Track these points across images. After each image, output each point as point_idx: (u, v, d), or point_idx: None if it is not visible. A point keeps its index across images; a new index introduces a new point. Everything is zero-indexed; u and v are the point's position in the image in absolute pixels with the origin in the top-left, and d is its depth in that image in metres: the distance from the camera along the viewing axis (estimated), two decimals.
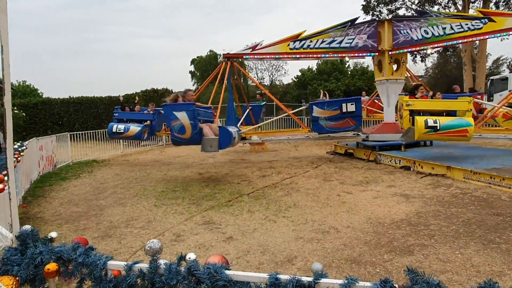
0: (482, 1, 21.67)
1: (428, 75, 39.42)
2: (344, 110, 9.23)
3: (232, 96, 9.67)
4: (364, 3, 25.10)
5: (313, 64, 35.58)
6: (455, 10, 22.54)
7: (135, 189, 7.28)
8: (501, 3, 21.92)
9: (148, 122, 10.79)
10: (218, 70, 9.87)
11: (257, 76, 40.78)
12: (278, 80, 43.76)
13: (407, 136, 8.30)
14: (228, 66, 9.58)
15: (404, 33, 9.63)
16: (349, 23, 9.83)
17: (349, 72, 34.09)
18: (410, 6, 24.26)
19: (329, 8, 74.44)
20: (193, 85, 48.00)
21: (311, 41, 9.78)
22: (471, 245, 3.83)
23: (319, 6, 75.43)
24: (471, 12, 20.87)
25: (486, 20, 8.61)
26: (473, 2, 21.97)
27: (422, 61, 27.42)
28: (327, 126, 9.39)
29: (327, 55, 10.23)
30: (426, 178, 7.04)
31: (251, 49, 9.83)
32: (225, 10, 77.99)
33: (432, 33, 9.34)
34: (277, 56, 10.07)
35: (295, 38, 9.72)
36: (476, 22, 8.77)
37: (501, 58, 38.18)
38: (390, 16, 16.37)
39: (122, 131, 10.51)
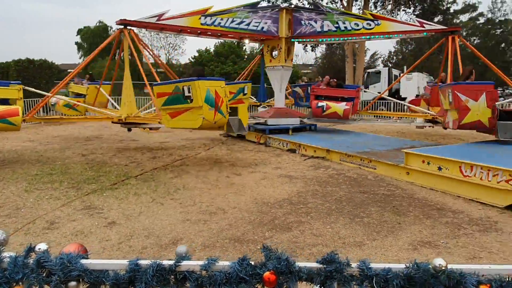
0: (363, 0, 23.92)
1: (317, 64, 42.38)
2: None
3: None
4: None
5: (210, 45, 35.31)
6: (341, 6, 24.49)
7: (1, 173, 6.39)
8: (378, 4, 24.51)
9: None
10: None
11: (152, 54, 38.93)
12: (175, 59, 42.39)
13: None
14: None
15: (307, 23, 10.09)
16: (249, 6, 9.75)
17: (246, 56, 34.75)
18: None
19: None
20: (80, 58, 43.70)
21: (221, 19, 9.27)
22: (340, 220, 4.29)
23: None
24: (354, 10, 22.97)
25: (375, 22, 9.60)
26: (356, 0, 24.13)
27: (312, 50, 29.31)
28: None
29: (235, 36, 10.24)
30: (309, 160, 7.63)
31: (156, 18, 8.40)
32: None
33: (333, 27, 10.01)
34: (185, 33, 9.51)
35: (204, 13, 8.98)
36: (368, 23, 9.68)
37: (376, 53, 42.88)
38: (285, 5, 16.94)
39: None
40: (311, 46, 27.86)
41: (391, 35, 9.90)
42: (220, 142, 10.19)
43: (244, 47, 33.75)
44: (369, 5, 24.27)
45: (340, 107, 9.86)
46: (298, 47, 41.52)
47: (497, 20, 41.61)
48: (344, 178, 6.19)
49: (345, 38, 10.57)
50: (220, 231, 3.96)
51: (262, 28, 9.93)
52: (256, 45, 35.73)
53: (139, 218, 4.34)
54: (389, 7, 24.54)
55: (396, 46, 45.36)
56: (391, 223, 4.18)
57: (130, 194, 5.25)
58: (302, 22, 10.18)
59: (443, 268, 1.03)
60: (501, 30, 41.61)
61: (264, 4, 10.25)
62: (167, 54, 41.76)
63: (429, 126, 10.40)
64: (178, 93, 6.21)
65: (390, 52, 47.93)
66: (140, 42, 8.60)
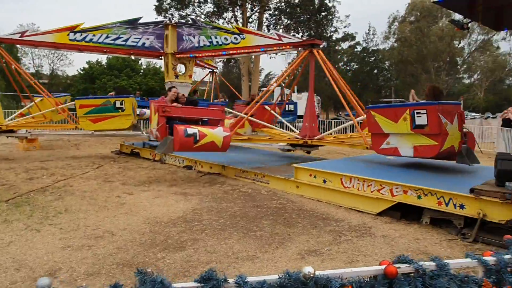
0: (257, 23, 25.25)
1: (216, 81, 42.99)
2: None
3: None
4: (156, 3, 25.25)
5: (103, 57, 33.35)
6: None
7: None
8: (271, 26, 26.10)
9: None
10: None
11: (33, 62, 35.20)
12: (61, 70, 38.87)
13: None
14: None
15: (187, 39, 10.03)
16: (128, 22, 9.67)
17: (142, 71, 33.59)
18: (199, 15, 25.92)
19: (122, 4, 71.42)
20: None
21: (94, 35, 9.19)
22: (234, 235, 4.34)
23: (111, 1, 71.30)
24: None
25: (242, 36, 9.30)
26: (250, 23, 25.36)
27: (203, 69, 29.67)
28: None
29: (113, 53, 10.17)
30: (205, 176, 7.61)
31: (19, 34, 8.55)
32: None
33: (207, 43, 9.78)
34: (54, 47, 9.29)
35: (73, 29, 8.95)
36: (235, 37, 9.40)
37: (270, 73, 45.35)
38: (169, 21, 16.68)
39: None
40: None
41: (254, 50, 9.37)
42: (112, 159, 9.57)
43: (139, 61, 32.62)
44: (262, 28, 25.69)
45: (218, 134, 6.92)
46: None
47: (371, 49, 47.57)
48: (239, 193, 6.31)
49: (224, 53, 10.05)
50: (107, 256, 3.67)
51: (144, 44, 9.82)
52: (153, 60, 34.95)
53: (8, 249, 3.79)
54: (280, 31, 26.26)
55: (287, 67, 48.58)
56: (282, 235, 4.37)
57: None
58: (184, 37, 10.05)
59: (312, 275, 1.10)
60: (373, 58, 47.62)
61: (145, 20, 10.03)
62: (51, 64, 38.07)
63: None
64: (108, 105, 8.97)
65: (282, 72, 51.16)
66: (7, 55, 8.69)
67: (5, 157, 9.43)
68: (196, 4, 25.63)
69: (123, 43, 9.56)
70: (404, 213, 5.07)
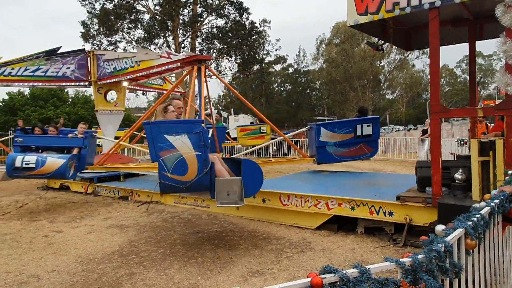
0: (190, 48, 25.34)
1: (151, 106, 42.12)
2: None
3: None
4: (83, 30, 24.39)
5: (25, 87, 31.19)
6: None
7: None
8: (204, 51, 26.33)
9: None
10: None
11: None
12: None
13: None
14: None
15: (102, 66, 9.68)
16: (46, 53, 9.51)
17: (70, 100, 31.93)
18: (130, 41, 25.43)
19: (45, 29, 67.94)
20: None
21: (12, 68, 9.07)
22: (174, 264, 4.19)
23: (32, 24, 67.55)
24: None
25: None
26: (183, 48, 25.38)
27: (143, 94, 29.06)
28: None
29: (33, 84, 9.72)
30: (143, 206, 7.32)
31: None
32: None
33: (117, 67, 9.43)
34: None
35: None
36: (132, 61, 9.05)
37: (206, 97, 45.40)
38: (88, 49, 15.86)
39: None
40: (141, 91, 27.57)
41: (148, 72, 8.83)
42: (38, 196, 8.85)
43: (66, 90, 31.01)
44: (195, 52, 25.81)
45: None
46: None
47: (302, 70, 49.89)
48: (179, 220, 6.15)
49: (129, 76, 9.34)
50: None
51: (64, 73, 9.63)
52: (82, 89, 33.41)
53: None
54: (214, 55, 26.62)
55: (224, 90, 49.13)
56: (224, 258, 4.31)
57: None
58: (101, 64, 9.81)
59: None
60: (305, 78, 49.93)
61: (64, 50, 9.84)
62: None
63: None
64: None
65: (219, 95, 51.65)
66: None
67: None
68: (125, 30, 25.12)
69: (42, 74, 9.42)
70: (340, 225, 5.27)
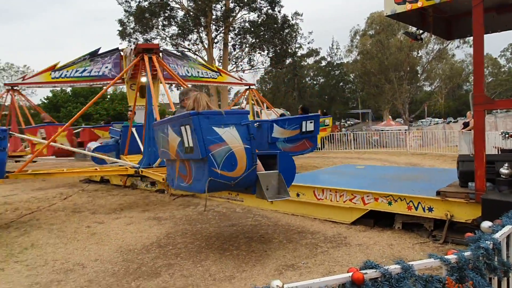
0: (222, 44, 25.53)
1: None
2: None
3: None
4: (120, 28, 25.12)
5: (76, 87, 32.75)
6: (203, 48, 25.68)
7: None
8: (237, 46, 26.45)
9: None
10: None
11: None
12: (22, 100, 37.58)
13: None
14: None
15: (172, 67, 11.16)
16: (90, 55, 10.80)
17: (108, 97, 33.09)
18: (165, 38, 25.96)
19: (86, 27, 70.65)
20: None
21: (67, 71, 10.62)
22: (210, 256, 4.27)
23: (74, 23, 70.47)
24: (216, 52, 24.29)
25: (218, 73, 12.82)
26: (216, 43, 25.61)
27: (177, 89, 29.60)
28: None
29: (84, 84, 11.28)
30: (178, 199, 7.49)
31: (22, 79, 11.27)
32: None
33: (192, 73, 11.98)
34: (45, 86, 11.20)
35: (54, 69, 10.60)
36: (214, 74, 12.68)
37: (239, 92, 45.70)
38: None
39: None
40: (175, 86, 28.14)
41: (226, 84, 13.79)
42: (80, 189, 9.26)
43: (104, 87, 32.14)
44: (228, 47, 25.99)
45: None
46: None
47: (335, 63, 48.99)
48: (214, 213, 6.24)
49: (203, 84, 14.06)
50: None
51: (104, 72, 10.87)
52: (120, 85, 34.55)
53: None
54: (246, 49, 26.68)
55: (257, 85, 49.21)
56: (259, 252, 4.34)
57: None
58: (169, 65, 10.97)
59: None
60: (338, 71, 49.04)
61: (105, 48, 11.40)
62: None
63: None
64: None
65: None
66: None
67: None
68: (160, 27, 25.67)
69: (88, 74, 10.71)
70: (377, 220, 5.16)
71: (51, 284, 3.67)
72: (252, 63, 27.91)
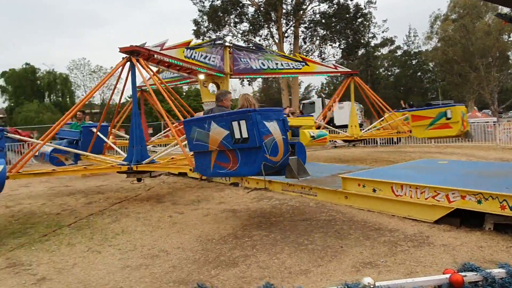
0: (293, 37, 25.39)
1: (255, 97, 43.62)
2: None
3: (137, 111, 7.48)
4: (195, 28, 26.23)
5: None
6: (273, 43, 25.77)
7: None
8: (307, 39, 26.13)
9: None
10: (118, 69, 7.37)
11: (85, 94, 37.51)
12: (113, 99, 41.31)
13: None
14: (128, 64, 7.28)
15: (244, 61, 10.92)
16: (213, 42, 10.46)
17: (184, 93, 34.80)
18: (236, 34, 26.57)
19: (162, 29, 75.03)
20: (4, 102, 40.87)
21: (196, 52, 9.53)
22: (285, 249, 4.31)
23: (151, 25, 75.22)
24: (286, 46, 24.29)
25: (304, 63, 11.74)
26: (286, 37, 25.56)
27: (249, 84, 30.18)
28: None
29: (203, 70, 10.01)
30: (252, 192, 7.66)
31: (159, 47, 8.15)
32: (42, 20, 69.76)
33: (268, 65, 11.47)
34: (175, 61, 8.87)
35: (187, 45, 9.19)
36: (297, 64, 11.67)
37: (310, 85, 45.18)
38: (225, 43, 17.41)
39: None
40: (247, 81, 28.67)
41: (315, 75, 12.37)
42: (161, 181, 9.91)
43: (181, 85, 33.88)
44: (299, 41, 25.79)
45: None
46: (235, 81, 42.57)
47: (412, 52, 46.07)
48: (287, 207, 6.28)
49: (283, 76, 12.80)
50: (163, 275, 3.78)
51: (216, 64, 10.46)
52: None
53: (73, 270, 4.01)
54: (317, 42, 26.23)
55: (328, 78, 48.16)
56: (334, 247, 4.28)
57: (63, 245, 4.86)
58: (241, 59, 10.93)
59: (372, 286, 1.07)
60: (416, 60, 46.04)
61: (218, 42, 11.14)
62: (102, 95, 40.54)
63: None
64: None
65: (322, 83, 50.78)
66: (151, 70, 7.98)
67: (66, 184, 10.07)
68: (232, 25, 26.29)
69: (208, 61, 9.99)
70: (463, 219, 4.79)
71: (140, 267, 3.99)
72: (323, 56, 27.40)
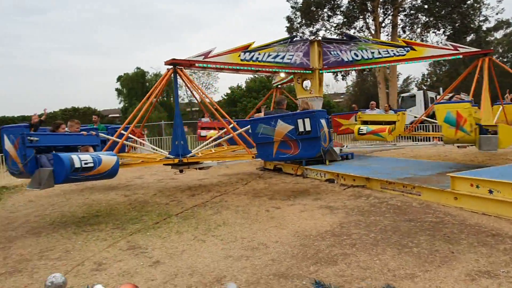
0: (391, 27, 23.96)
1: (349, 92, 42.23)
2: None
3: (179, 112, 8.28)
4: (288, 25, 26.36)
5: (241, 81, 36.31)
6: (369, 34, 24.62)
7: (52, 217, 6.70)
8: (407, 28, 24.43)
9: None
10: (163, 79, 8.24)
11: (186, 93, 40.39)
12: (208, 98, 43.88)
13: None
14: (170, 74, 8.11)
15: (334, 54, 10.48)
16: (289, 40, 10.37)
17: None
18: (329, 28, 26.01)
19: (256, 28, 77.06)
20: (120, 103, 46.02)
21: (259, 54, 9.75)
22: (387, 251, 4.10)
23: (246, 25, 77.80)
24: (383, 37, 23.03)
25: (408, 48, 10.04)
26: (383, 27, 24.22)
27: (343, 79, 29.36)
28: None
29: (273, 69, 10.38)
30: (348, 189, 7.45)
31: (203, 56, 8.74)
32: (150, 28, 76.88)
33: (362, 56, 10.48)
34: (228, 67, 9.57)
35: (245, 49, 9.54)
36: (400, 50, 10.14)
37: (409, 77, 42.21)
38: (313, 37, 17.24)
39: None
40: (341, 75, 27.91)
41: (425, 60, 10.32)
42: (257, 176, 10.21)
43: (273, 81, 34.42)
44: (397, 30, 24.23)
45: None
46: (328, 76, 41.81)
47: None
48: (387, 206, 5.97)
49: (380, 65, 11.08)
50: (263, 267, 3.89)
51: (296, 61, 10.37)
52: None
53: (182, 256, 4.36)
54: (418, 30, 24.36)
55: (429, 69, 44.50)
56: (443, 252, 3.95)
57: (172, 232, 5.32)
58: (330, 52, 10.53)
59: None
60: None
61: (297, 38, 10.98)
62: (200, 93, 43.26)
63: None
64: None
65: (423, 75, 46.95)
66: (191, 80, 8.78)
67: (172, 177, 10.99)
68: (325, 19, 25.82)
69: (280, 60, 10.09)
70: None
71: (241, 258, 4.17)
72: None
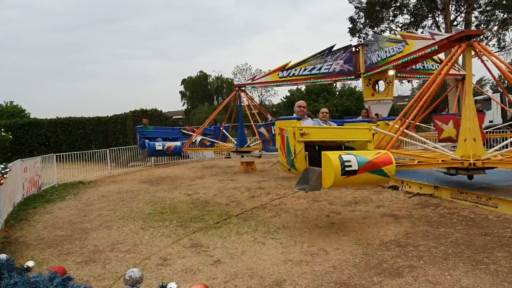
0: (463, 25, 22.40)
1: (414, 95, 40.15)
2: None
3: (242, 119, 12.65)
4: (350, 25, 25.73)
5: (303, 84, 36.19)
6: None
7: (122, 211, 7.14)
8: (482, 26, 22.67)
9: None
10: (231, 98, 13.61)
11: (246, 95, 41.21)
12: (268, 100, 44.30)
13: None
14: (236, 93, 12.88)
15: (368, 56, 10.31)
16: (327, 51, 11.22)
17: (337, 93, 34.58)
18: (395, 28, 24.94)
19: (317, 30, 76.27)
20: (183, 105, 48.07)
21: (295, 70, 11.52)
22: (460, 266, 3.81)
23: (307, 27, 77.31)
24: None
25: (404, 43, 8.57)
26: (455, 26, 22.69)
27: (408, 81, 27.99)
28: None
29: (309, 81, 12.10)
30: (414, 198, 7.06)
31: (251, 80, 12.88)
32: (214, 32, 79.36)
33: (381, 56, 9.82)
34: (270, 85, 12.91)
35: (283, 69, 11.66)
36: (398, 46, 8.82)
37: (483, 79, 39.12)
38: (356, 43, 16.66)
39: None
40: (407, 80, 26.60)
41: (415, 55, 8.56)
42: None
43: (334, 84, 33.76)
44: (471, 29, 22.53)
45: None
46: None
47: None
48: (459, 217, 5.56)
49: (386, 67, 10.28)
50: (324, 274, 3.81)
51: (334, 69, 11.22)
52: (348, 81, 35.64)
53: (242, 257, 4.41)
54: (495, 28, 22.50)
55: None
56: None
57: (233, 233, 5.41)
58: (368, 55, 10.64)
59: None
60: None
61: (335, 48, 11.61)
62: (260, 96, 43.73)
63: None
64: None
65: (500, 76, 43.23)
66: (250, 98, 13.96)
67: (232, 178, 11.21)
68: (390, 18, 24.81)
69: (317, 72, 11.36)
70: None
71: (301, 263, 4.12)
72: (502, 43, 23.33)
